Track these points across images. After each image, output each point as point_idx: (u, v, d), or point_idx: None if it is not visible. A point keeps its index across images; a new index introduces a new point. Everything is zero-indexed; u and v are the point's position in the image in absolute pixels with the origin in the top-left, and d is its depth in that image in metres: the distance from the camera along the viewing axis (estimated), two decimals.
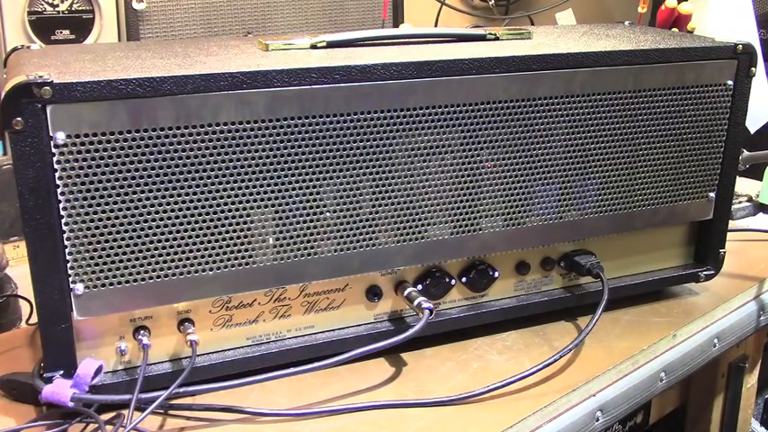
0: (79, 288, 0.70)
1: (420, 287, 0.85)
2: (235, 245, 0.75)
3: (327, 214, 0.78)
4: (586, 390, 0.82)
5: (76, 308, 0.70)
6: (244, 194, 0.74)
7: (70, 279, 0.69)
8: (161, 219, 0.71)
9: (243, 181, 0.73)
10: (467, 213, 0.84)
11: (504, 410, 0.77)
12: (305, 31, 1.52)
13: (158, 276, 0.72)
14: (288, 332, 0.82)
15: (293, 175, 0.75)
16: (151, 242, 0.71)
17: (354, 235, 0.79)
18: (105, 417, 0.72)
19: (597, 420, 0.83)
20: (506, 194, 0.85)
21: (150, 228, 0.71)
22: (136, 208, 0.70)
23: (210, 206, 0.73)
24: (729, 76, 0.93)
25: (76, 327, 0.72)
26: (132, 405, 0.69)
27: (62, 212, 0.68)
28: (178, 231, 0.72)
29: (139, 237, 0.71)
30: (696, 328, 0.96)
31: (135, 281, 0.72)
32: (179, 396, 0.75)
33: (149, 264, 0.72)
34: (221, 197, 0.73)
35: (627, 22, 1.15)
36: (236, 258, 0.75)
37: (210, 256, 0.74)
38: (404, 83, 0.77)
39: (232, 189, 0.73)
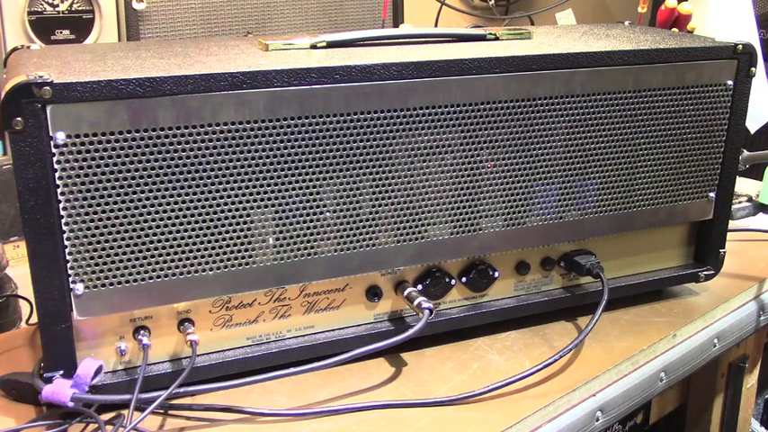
0: (79, 288, 0.70)
1: (420, 287, 0.85)
2: (235, 245, 0.75)
3: (327, 214, 0.78)
4: (586, 390, 0.82)
5: (76, 308, 0.70)
6: (244, 194, 0.74)
7: (70, 279, 0.69)
8: (161, 219, 0.71)
9: (243, 181, 0.73)
10: (467, 213, 0.84)
11: (504, 410, 0.77)
12: (305, 31, 1.52)
13: (158, 276, 0.72)
14: (288, 332, 0.82)
15: (293, 175, 0.75)
16: (151, 242, 0.71)
17: (354, 235, 0.79)
18: (105, 417, 0.73)
19: (597, 420, 0.83)
20: (506, 194, 0.85)
21: (150, 228, 0.71)
22: (136, 208, 0.70)
23: (210, 206, 0.73)
24: (729, 76, 0.93)
25: (76, 327, 0.72)
26: (132, 405, 0.69)
27: (62, 212, 0.68)
28: (178, 231, 0.72)
29: (139, 237, 0.71)
30: (696, 328, 0.96)
31: (135, 281, 0.72)
32: (179, 396, 0.75)
33: (149, 264, 0.72)
34: (221, 197, 0.73)
35: (627, 22, 1.15)
36: (236, 258, 0.75)
37: (210, 256, 0.74)
38: (404, 83, 0.77)
39: (232, 189, 0.73)
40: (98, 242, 0.69)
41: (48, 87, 0.65)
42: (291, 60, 0.77)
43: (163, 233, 0.71)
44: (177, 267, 0.73)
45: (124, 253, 0.71)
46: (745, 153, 1.23)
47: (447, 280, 0.86)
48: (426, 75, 0.78)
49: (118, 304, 0.72)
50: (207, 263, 0.74)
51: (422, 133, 0.79)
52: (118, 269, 0.71)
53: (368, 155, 0.77)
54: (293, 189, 0.75)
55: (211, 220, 0.73)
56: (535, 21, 2.02)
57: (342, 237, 0.79)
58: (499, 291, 0.91)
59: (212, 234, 0.73)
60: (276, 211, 0.75)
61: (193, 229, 0.73)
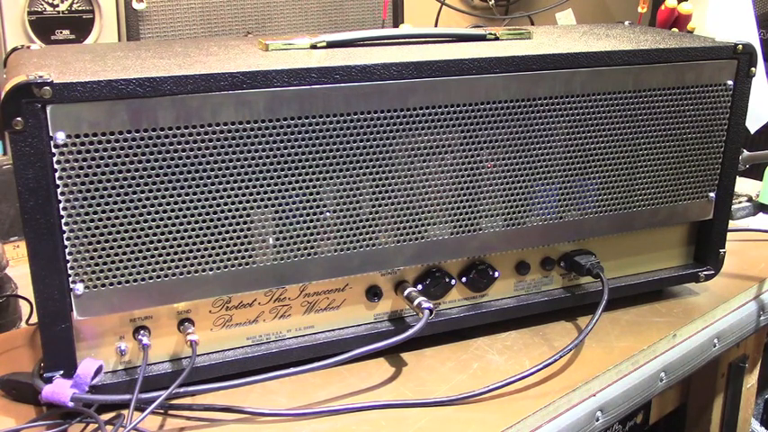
0: (79, 288, 0.70)
1: (420, 287, 0.85)
2: (235, 245, 0.75)
3: (327, 214, 0.78)
4: (586, 390, 0.82)
5: (76, 308, 0.70)
6: (244, 194, 0.74)
7: (70, 279, 0.69)
8: (161, 219, 0.71)
9: (243, 181, 0.73)
10: (467, 213, 0.84)
11: (504, 410, 0.77)
12: (305, 31, 1.52)
13: (158, 276, 0.72)
14: (288, 332, 0.82)
15: (293, 175, 0.75)
16: (151, 242, 0.71)
17: (354, 235, 0.79)
18: (105, 417, 0.73)
19: (597, 420, 0.83)
20: (506, 194, 0.85)
21: (150, 228, 0.71)
22: (136, 208, 0.70)
23: (211, 206, 0.73)
24: (729, 76, 0.93)
25: (76, 327, 0.72)
26: (132, 405, 0.69)
27: (62, 212, 0.68)
28: (178, 231, 0.72)
29: (139, 237, 0.71)
30: (696, 328, 0.96)
31: (135, 281, 0.72)
32: (179, 396, 0.75)
33: (149, 264, 0.72)
34: (221, 197, 0.73)
35: (627, 22, 1.15)
36: (236, 258, 0.75)
37: (210, 256, 0.74)
38: (404, 83, 0.77)
39: (232, 189, 0.73)
40: (98, 242, 0.69)
41: (48, 87, 0.65)
42: (291, 60, 0.77)
43: (163, 233, 0.71)
44: (177, 267, 0.73)
45: (124, 253, 0.71)
46: (745, 153, 1.23)
47: (447, 280, 0.86)
48: (426, 75, 0.78)
49: (118, 304, 0.72)
50: (207, 263, 0.74)
51: (422, 133, 0.79)
52: (118, 269, 0.71)
53: (368, 155, 0.77)
54: (293, 189, 0.75)
55: (211, 221, 0.73)
56: (535, 21, 2.02)
57: (342, 237, 0.79)
58: (499, 291, 0.91)
59: (212, 234, 0.73)
60: (276, 211, 0.75)
61: (193, 230, 0.73)
